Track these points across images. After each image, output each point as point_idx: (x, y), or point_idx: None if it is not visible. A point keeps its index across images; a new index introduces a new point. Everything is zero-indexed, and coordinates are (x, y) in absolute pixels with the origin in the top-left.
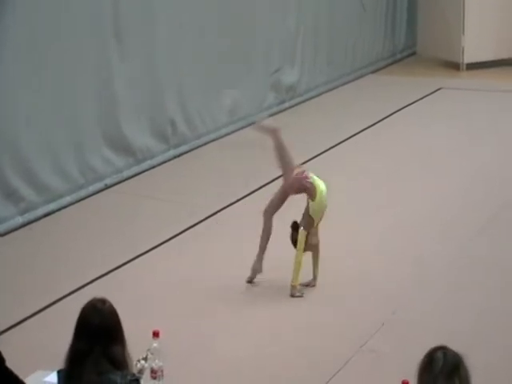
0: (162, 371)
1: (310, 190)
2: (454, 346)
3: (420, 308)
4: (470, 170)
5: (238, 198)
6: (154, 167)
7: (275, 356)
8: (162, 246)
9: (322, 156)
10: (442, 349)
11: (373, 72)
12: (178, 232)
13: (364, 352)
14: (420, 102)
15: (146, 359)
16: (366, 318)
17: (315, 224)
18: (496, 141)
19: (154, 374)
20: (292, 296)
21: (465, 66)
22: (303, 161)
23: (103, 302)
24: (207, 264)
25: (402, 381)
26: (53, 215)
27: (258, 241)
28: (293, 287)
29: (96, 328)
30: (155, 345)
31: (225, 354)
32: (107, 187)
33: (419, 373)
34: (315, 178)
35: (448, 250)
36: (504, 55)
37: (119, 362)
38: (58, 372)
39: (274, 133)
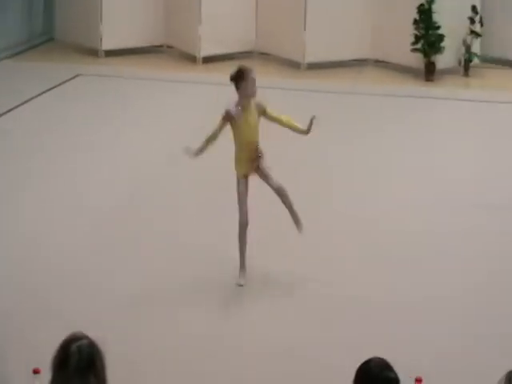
0: None
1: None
2: None
3: None
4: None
5: None
6: None
7: None
8: None
9: None
10: (76, 340)
11: (9, 57)
12: None
13: None
14: (57, 88)
15: None
16: None
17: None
18: (182, 127)
19: None
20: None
21: (103, 53)
22: None
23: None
24: None
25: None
26: None
27: None
28: None
29: None
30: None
31: None
32: None
33: (54, 369)
34: None
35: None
36: (143, 43)
37: None
38: None
39: None
